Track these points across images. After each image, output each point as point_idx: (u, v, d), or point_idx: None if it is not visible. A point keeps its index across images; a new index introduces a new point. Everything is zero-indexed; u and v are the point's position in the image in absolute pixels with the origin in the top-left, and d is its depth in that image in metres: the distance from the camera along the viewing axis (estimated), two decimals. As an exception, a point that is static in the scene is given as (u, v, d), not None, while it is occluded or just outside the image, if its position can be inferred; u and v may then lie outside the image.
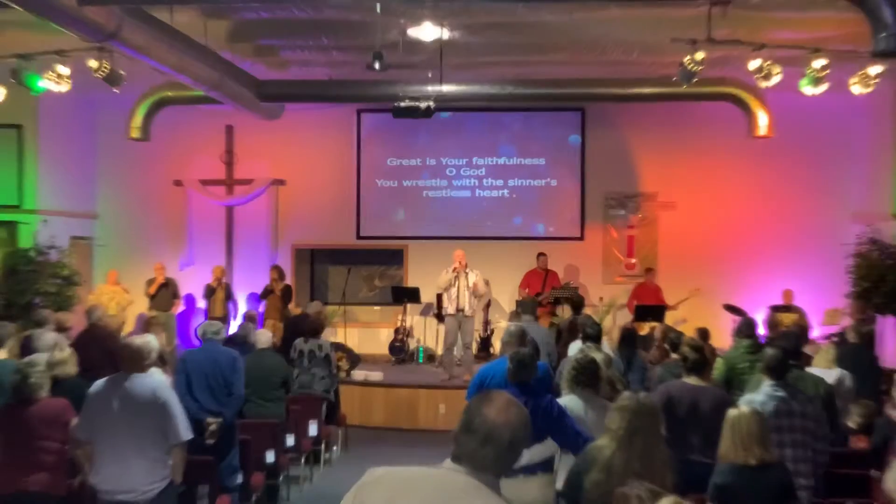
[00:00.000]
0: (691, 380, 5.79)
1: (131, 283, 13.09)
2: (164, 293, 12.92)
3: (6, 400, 5.55)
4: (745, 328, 7.52)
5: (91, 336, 8.72)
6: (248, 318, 9.88)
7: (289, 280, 13.54)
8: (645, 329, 11.49)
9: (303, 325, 10.02)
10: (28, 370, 5.36)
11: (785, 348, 5.72)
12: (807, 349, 7.74)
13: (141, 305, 13.15)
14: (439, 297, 12.46)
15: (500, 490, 2.46)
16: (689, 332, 9.06)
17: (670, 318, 12.42)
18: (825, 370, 6.80)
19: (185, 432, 5.19)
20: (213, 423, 6.68)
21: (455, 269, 11.35)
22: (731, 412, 4.66)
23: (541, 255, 13.08)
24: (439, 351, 12.27)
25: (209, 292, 13.02)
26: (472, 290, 11.27)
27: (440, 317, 12.64)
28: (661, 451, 3.86)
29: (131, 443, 5.05)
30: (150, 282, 12.95)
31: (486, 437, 2.43)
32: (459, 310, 11.30)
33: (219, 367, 6.85)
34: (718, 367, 7.15)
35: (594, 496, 3.69)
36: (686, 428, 5.63)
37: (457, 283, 11.31)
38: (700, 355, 5.86)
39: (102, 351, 7.88)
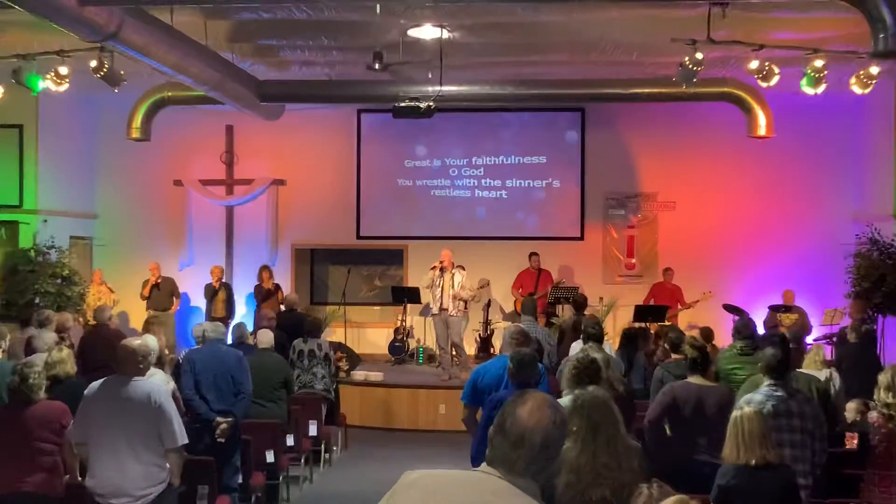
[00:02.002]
0: (696, 379, 5.80)
1: (131, 283, 13.09)
2: (159, 293, 12.89)
3: (3, 401, 5.53)
4: (743, 328, 7.46)
5: (98, 336, 8.72)
6: (264, 318, 9.89)
7: (290, 280, 13.52)
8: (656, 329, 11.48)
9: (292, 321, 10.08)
10: (25, 371, 5.33)
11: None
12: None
13: (127, 305, 13.15)
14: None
15: (538, 494, 2.39)
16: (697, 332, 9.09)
17: (684, 318, 12.44)
18: (815, 371, 6.79)
19: (181, 437, 5.12)
20: (223, 422, 6.69)
21: (435, 267, 11.30)
22: (734, 413, 4.66)
23: (533, 254, 13.06)
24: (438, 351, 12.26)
25: (211, 293, 12.99)
26: (454, 292, 11.19)
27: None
28: (623, 439, 3.83)
29: (126, 446, 4.98)
30: (146, 283, 12.95)
31: (518, 440, 2.38)
32: (443, 309, 11.26)
33: (226, 367, 6.87)
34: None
35: (567, 498, 3.67)
36: (692, 428, 5.63)
37: (440, 282, 11.26)
38: (702, 353, 5.87)
39: (109, 351, 7.87)
